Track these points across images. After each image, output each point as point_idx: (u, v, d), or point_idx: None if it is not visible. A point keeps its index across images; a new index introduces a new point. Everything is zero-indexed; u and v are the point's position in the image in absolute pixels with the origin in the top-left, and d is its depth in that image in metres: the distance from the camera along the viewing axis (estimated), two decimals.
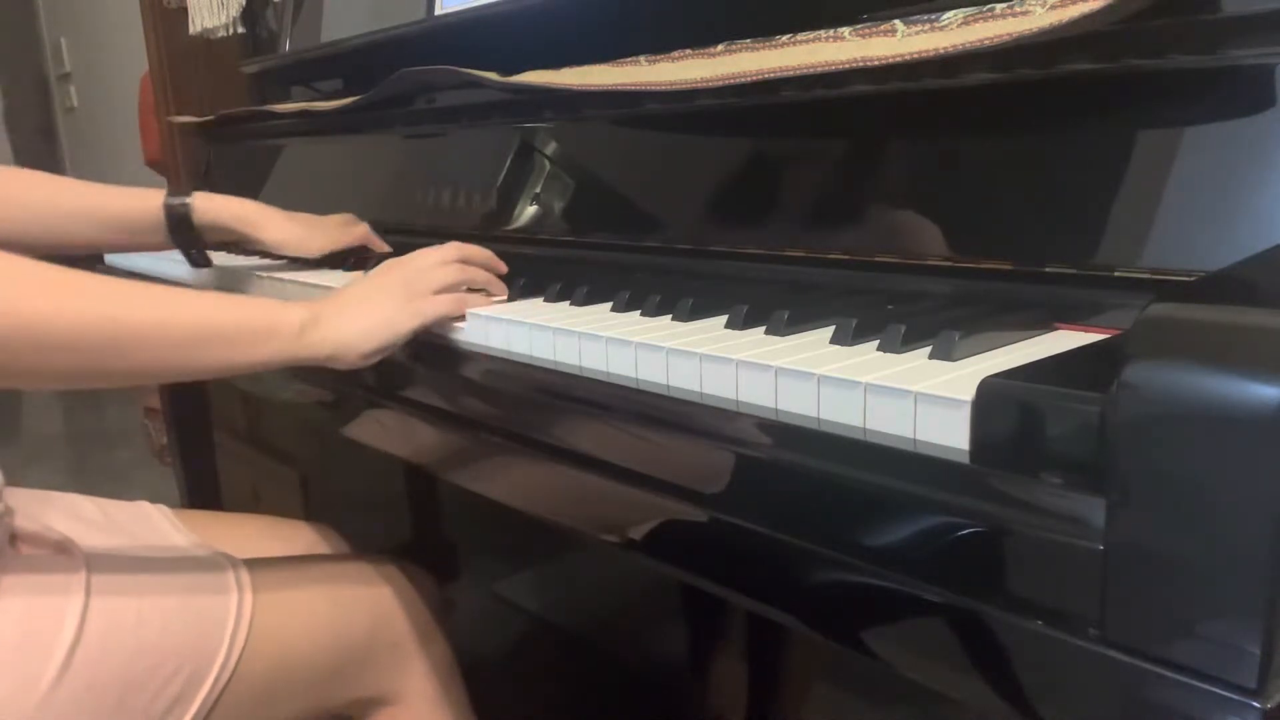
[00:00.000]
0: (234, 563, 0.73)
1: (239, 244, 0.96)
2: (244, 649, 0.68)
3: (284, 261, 1.02)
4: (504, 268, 0.73)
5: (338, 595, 0.79)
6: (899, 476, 0.40)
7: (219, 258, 1.04)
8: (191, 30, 1.60)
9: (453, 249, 0.70)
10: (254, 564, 0.74)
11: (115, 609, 0.64)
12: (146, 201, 0.91)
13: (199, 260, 0.98)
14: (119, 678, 0.62)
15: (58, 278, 0.56)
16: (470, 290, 0.70)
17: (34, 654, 0.60)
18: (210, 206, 0.92)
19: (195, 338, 0.60)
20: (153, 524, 0.87)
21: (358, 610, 0.79)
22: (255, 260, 1.06)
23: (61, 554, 0.66)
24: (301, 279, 0.91)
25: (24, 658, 0.59)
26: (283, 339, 0.62)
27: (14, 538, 0.69)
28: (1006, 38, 0.50)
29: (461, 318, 0.67)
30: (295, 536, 0.96)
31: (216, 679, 0.66)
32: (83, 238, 0.91)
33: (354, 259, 0.97)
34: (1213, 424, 0.30)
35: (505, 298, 0.71)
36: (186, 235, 0.92)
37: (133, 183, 1.00)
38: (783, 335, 0.53)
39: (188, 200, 0.92)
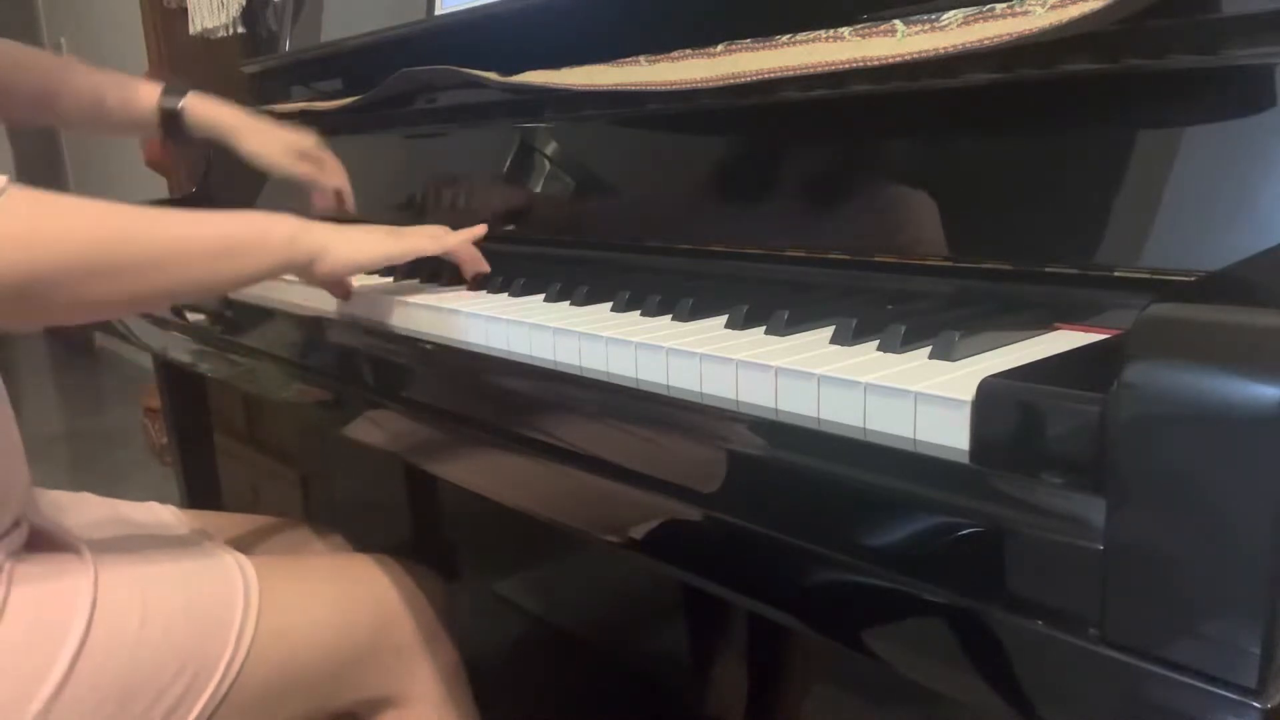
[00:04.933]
0: (240, 562, 0.73)
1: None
2: (249, 650, 0.68)
3: None
4: (484, 266, 0.78)
5: (342, 595, 0.78)
6: (899, 477, 0.40)
7: None
8: (191, 30, 1.60)
9: (438, 230, 0.78)
10: (259, 564, 0.74)
11: (121, 609, 0.64)
12: (141, 97, 0.99)
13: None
14: (124, 678, 0.62)
15: (83, 209, 0.60)
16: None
17: (41, 653, 0.60)
18: (202, 111, 1.00)
19: (210, 252, 0.65)
20: (162, 524, 0.87)
21: (363, 611, 0.79)
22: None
23: (69, 553, 0.67)
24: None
25: (31, 657, 0.60)
26: (280, 242, 0.68)
27: (29, 538, 0.69)
28: (1006, 38, 0.50)
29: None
30: (298, 536, 0.96)
31: (221, 680, 0.66)
32: (76, 119, 0.99)
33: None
34: (1213, 424, 0.30)
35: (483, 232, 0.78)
36: (177, 133, 1.00)
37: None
38: (783, 335, 0.53)
39: (182, 103, 0.99)
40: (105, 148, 3.88)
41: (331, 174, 1.03)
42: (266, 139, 1.01)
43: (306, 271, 0.70)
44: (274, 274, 0.70)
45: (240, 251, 0.66)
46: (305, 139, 1.03)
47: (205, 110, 1.00)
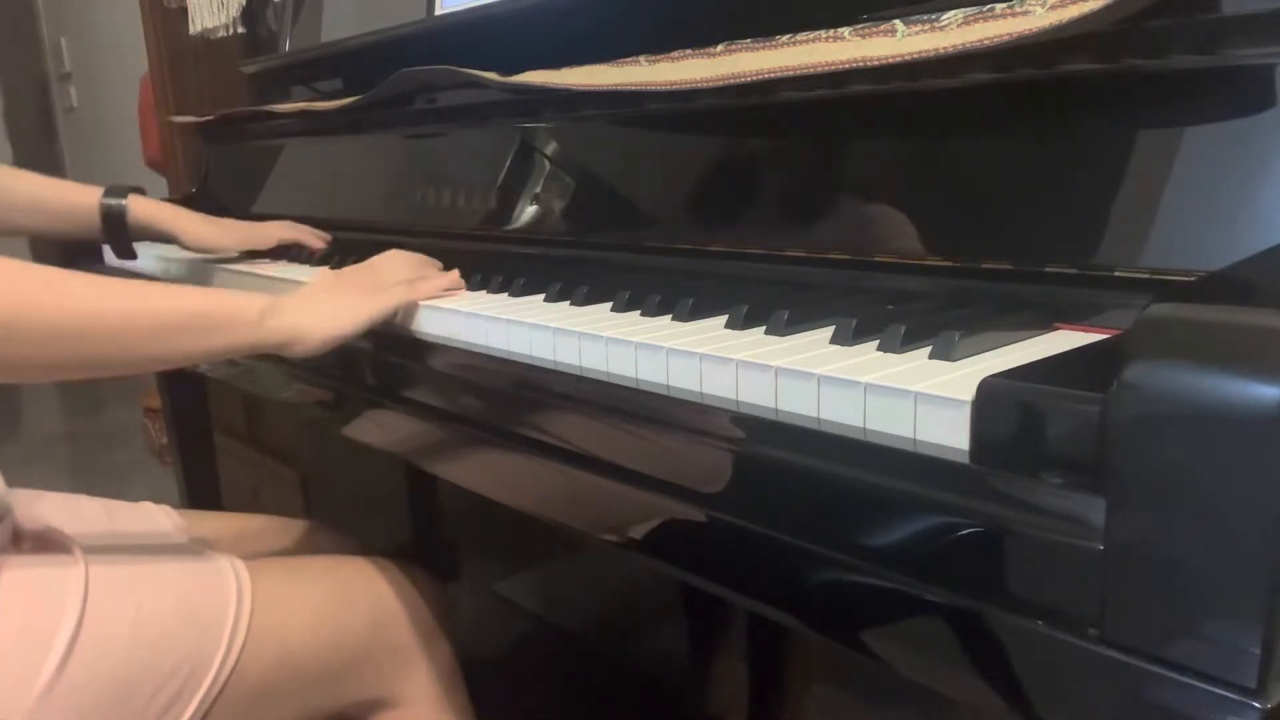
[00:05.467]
0: (234, 562, 0.73)
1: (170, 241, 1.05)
2: (243, 649, 0.68)
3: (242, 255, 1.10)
4: (456, 277, 0.77)
5: (338, 596, 0.78)
6: (899, 476, 0.40)
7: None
8: (191, 30, 1.60)
9: (404, 258, 0.77)
10: (254, 564, 0.74)
11: (113, 608, 0.64)
12: (85, 198, 1.00)
13: (123, 254, 1.07)
14: (116, 676, 0.62)
15: (33, 275, 0.59)
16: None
17: (32, 652, 0.60)
18: (143, 208, 1.01)
19: (163, 327, 0.63)
20: (155, 524, 0.87)
21: (358, 611, 0.79)
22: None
23: (62, 553, 0.67)
24: (261, 271, 0.97)
25: (22, 655, 0.60)
26: (246, 325, 0.66)
27: (15, 537, 0.69)
28: (1006, 38, 0.50)
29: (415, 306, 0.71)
30: (297, 536, 0.96)
31: (215, 678, 0.66)
32: (27, 227, 1.00)
33: (309, 251, 1.06)
34: (1213, 424, 0.30)
35: (463, 289, 0.76)
36: (118, 232, 1.01)
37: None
38: (783, 335, 0.53)
39: (123, 201, 1.00)
40: (105, 148, 3.88)
41: (271, 231, 1.07)
42: (209, 230, 1.04)
43: (282, 354, 0.68)
44: (242, 354, 0.69)
45: (201, 329, 0.64)
46: (267, 231, 1.06)
47: (147, 209, 1.02)
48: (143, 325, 0.62)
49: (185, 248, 1.04)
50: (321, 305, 0.69)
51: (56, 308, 0.59)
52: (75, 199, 1.00)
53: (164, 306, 0.63)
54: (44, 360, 0.59)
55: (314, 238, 1.09)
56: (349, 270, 0.75)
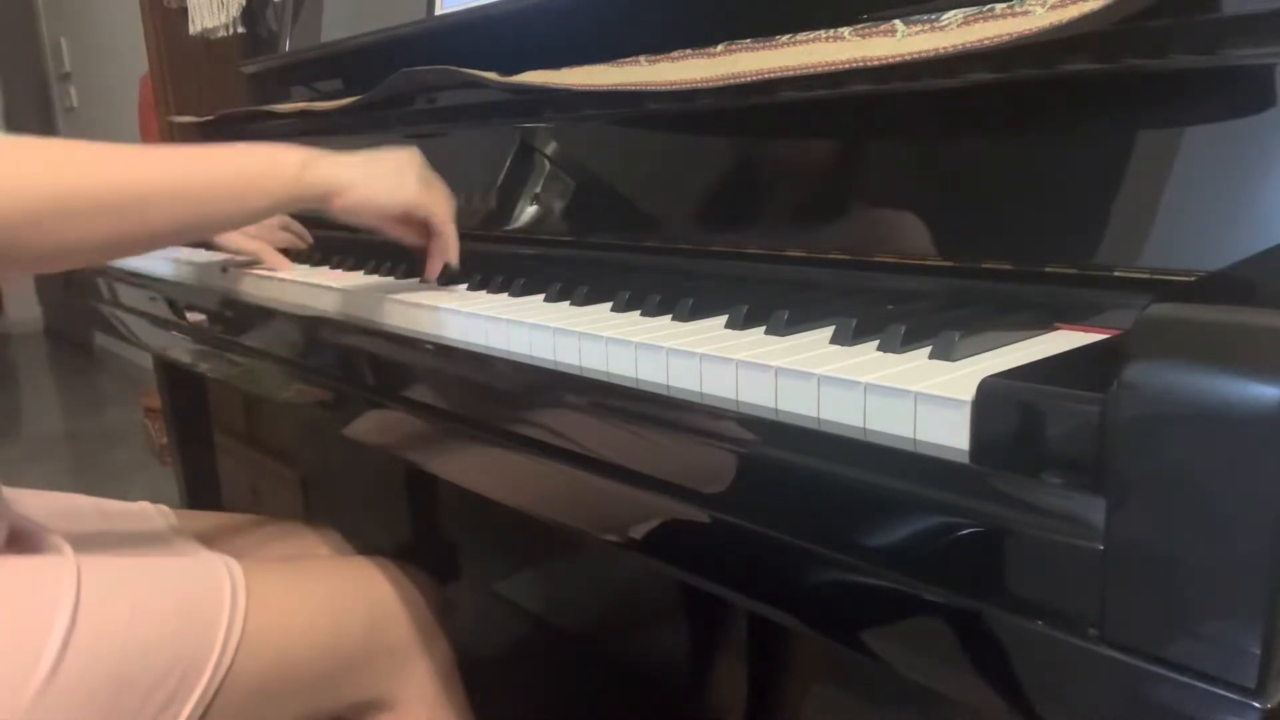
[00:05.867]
0: (228, 563, 0.72)
1: None
2: (238, 650, 0.67)
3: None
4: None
5: (335, 596, 0.78)
6: (899, 477, 0.40)
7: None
8: (191, 30, 1.60)
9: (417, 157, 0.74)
10: (250, 564, 0.74)
11: (107, 609, 0.63)
12: None
13: None
14: (110, 678, 0.62)
15: (82, 150, 0.59)
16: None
17: (24, 654, 0.59)
18: None
19: (210, 187, 0.63)
20: (151, 524, 0.86)
21: (355, 612, 0.78)
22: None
23: (54, 554, 0.66)
24: (286, 276, 0.94)
25: (14, 658, 0.59)
26: (287, 177, 0.65)
27: (9, 537, 0.69)
28: (1006, 38, 0.50)
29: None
30: (295, 537, 0.96)
31: (210, 680, 0.66)
32: None
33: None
34: (1213, 424, 0.30)
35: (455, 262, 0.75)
36: None
37: None
38: (783, 335, 0.53)
39: None
40: (103, 138, 3.88)
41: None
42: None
43: (321, 207, 0.67)
44: (285, 209, 0.67)
45: (243, 186, 0.64)
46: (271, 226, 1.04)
47: None
48: (193, 190, 0.62)
49: (212, 246, 1.02)
50: (359, 166, 0.68)
51: (109, 180, 0.58)
52: None
53: (207, 168, 0.63)
54: (102, 237, 0.59)
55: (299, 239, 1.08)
56: (399, 152, 0.73)
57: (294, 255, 1.06)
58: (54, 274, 0.79)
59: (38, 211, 0.55)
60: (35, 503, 0.79)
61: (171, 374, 1.50)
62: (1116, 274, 0.50)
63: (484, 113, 0.96)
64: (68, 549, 0.66)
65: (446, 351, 0.67)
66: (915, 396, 0.40)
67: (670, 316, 0.59)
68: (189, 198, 0.62)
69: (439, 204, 0.71)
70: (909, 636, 0.40)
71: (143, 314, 1.19)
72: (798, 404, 0.45)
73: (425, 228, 0.75)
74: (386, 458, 0.74)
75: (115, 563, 0.68)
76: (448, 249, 0.75)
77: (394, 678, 0.79)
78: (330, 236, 1.11)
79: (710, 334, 0.54)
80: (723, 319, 0.57)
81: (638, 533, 0.51)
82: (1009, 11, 0.52)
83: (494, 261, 0.78)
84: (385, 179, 0.68)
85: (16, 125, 4.58)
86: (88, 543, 0.69)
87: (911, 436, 0.41)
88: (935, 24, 0.55)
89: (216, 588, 0.70)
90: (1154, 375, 0.31)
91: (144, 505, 0.89)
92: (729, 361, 0.48)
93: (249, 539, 0.92)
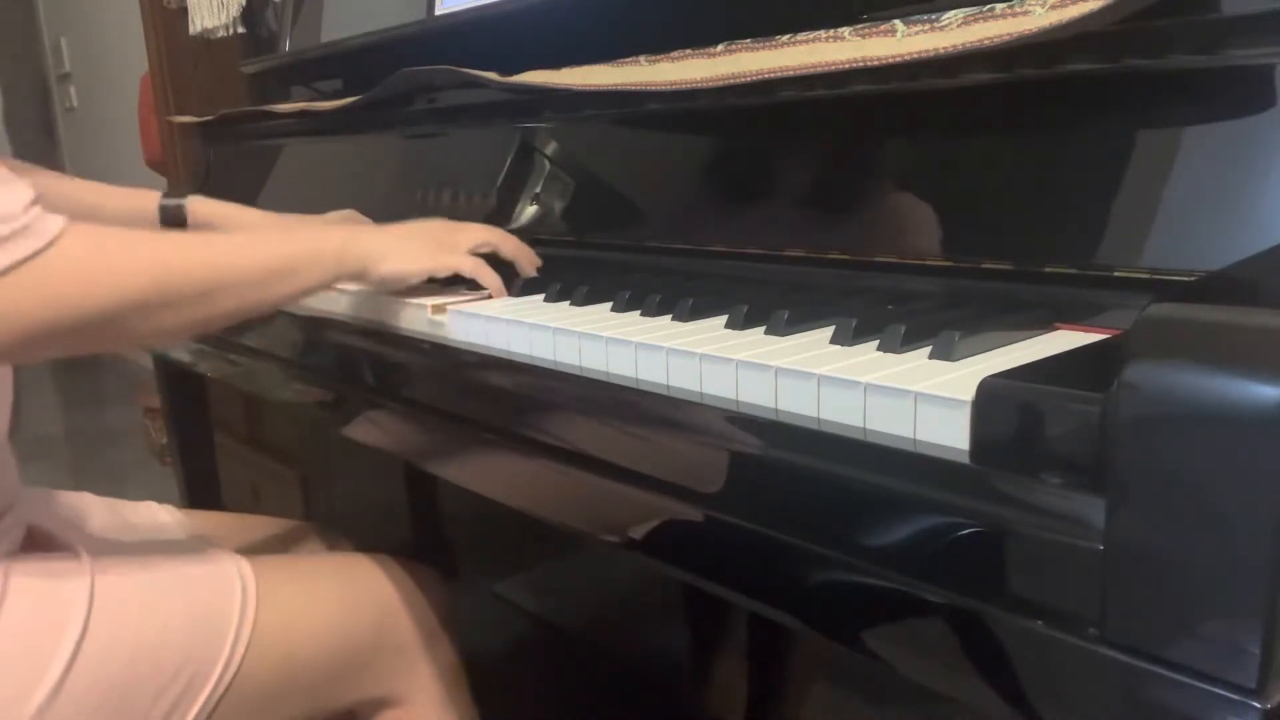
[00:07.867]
0: (239, 563, 0.73)
1: None
2: (247, 649, 0.68)
3: None
4: (536, 260, 0.79)
5: (343, 595, 0.78)
6: (899, 476, 0.40)
7: None
8: (191, 30, 1.60)
9: (489, 228, 0.80)
10: (258, 564, 0.74)
11: (119, 609, 0.64)
12: (142, 201, 0.97)
13: None
14: (122, 677, 0.62)
15: (142, 243, 0.62)
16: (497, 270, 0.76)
17: (39, 654, 0.60)
18: (204, 209, 0.98)
19: (269, 273, 0.67)
20: (159, 523, 0.87)
21: (363, 611, 0.78)
22: None
23: (69, 555, 0.67)
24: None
25: (29, 657, 0.60)
26: (330, 259, 0.70)
27: (25, 538, 0.69)
28: (1006, 38, 0.50)
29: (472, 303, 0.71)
30: (299, 536, 0.96)
31: (219, 679, 0.66)
32: None
33: None
34: (1213, 424, 0.30)
35: (533, 271, 0.79)
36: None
37: (133, 183, 1.01)
38: (783, 335, 0.53)
39: (182, 202, 0.97)
40: (105, 148, 3.88)
41: None
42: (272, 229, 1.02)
43: (360, 279, 0.73)
44: (328, 285, 0.72)
45: (295, 269, 0.68)
46: (305, 219, 1.03)
47: (207, 208, 1.00)
48: (253, 276, 0.66)
49: None
50: (393, 241, 0.74)
51: (200, 268, 0.63)
52: (132, 202, 0.98)
53: (262, 254, 0.67)
54: (187, 321, 0.63)
55: None
56: (431, 222, 0.79)
57: None
58: None
59: (144, 298, 0.59)
60: (50, 502, 0.79)
61: (171, 374, 1.50)
62: (1116, 274, 0.50)
63: (484, 113, 0.96)
64: (82, 550, 0.67)
65: (446, 351, 0.67)
66: (915, 396, 0.40)
67: (670, 316, 0.59)
68: (253, 282, 0.66)
69: (457, 262, 0.75)
70: (909, 637, 0.40)
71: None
72: (798, 404, 0.45)
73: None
74: (386, 458, 0.74)
75: (127, 564, 0.68)
76: (483, 283, 0.77)
77: (401, 675, 0.79)
78: None
79: (710, 334, 0.54)
80: (723, 319, 0.57)
81: (638, 533, 0.51)
82: (1009, 11, 0.52)
83: (494, 262, 0.78)
84: (408, 250, 0.74)
85: (16, 125, 4.58)
86: (101, 544, 0.69)
87: (911, 436, 0.41)
88: (935, 24, 0.55)
89: (227, 589, 0.70)
90: (1154, 375, 0.31)
91: (151, 505, 0.89)
92: (729, 361, 0.48)
93: (250, 539, 0.92)
